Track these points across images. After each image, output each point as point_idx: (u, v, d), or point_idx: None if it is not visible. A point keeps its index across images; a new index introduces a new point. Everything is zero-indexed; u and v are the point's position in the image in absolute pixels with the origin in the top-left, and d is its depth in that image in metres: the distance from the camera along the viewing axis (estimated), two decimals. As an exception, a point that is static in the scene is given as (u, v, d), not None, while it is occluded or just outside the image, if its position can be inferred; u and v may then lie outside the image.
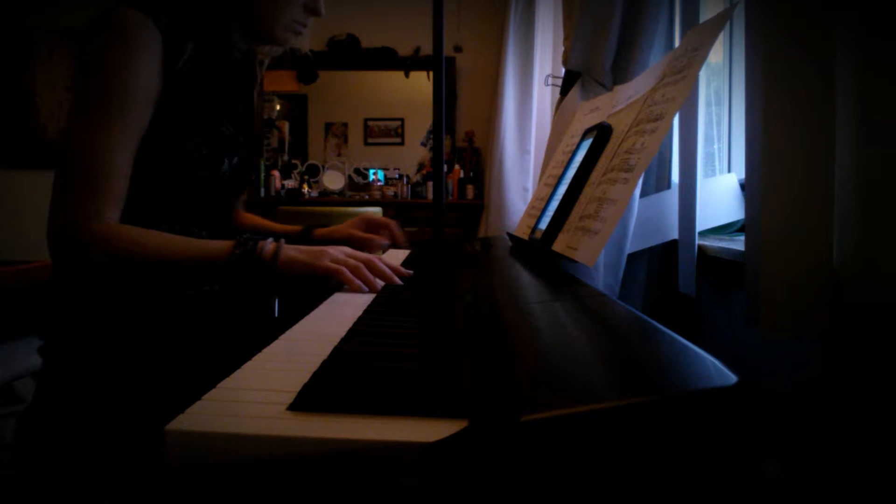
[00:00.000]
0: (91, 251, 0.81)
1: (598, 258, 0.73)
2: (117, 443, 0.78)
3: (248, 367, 0.49)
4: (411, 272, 0.94)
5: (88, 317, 0.86)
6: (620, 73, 1.48)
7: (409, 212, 4.23)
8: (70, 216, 0.81)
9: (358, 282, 0.86)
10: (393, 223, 1.26)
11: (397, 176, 4.49)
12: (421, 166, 4.54)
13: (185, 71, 0.88)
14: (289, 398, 0.40)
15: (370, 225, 1.23)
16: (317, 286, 0.91)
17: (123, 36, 0.83)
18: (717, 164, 1.65)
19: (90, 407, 0.81)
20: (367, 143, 4.68)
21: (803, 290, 0.73)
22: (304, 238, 1.20)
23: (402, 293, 0.87)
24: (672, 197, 1.36)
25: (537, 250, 0.95)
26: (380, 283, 0.89)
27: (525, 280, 0.85)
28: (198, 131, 0.91)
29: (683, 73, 0.77)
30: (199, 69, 0.91)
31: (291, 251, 0.86)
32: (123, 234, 0.83)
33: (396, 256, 1.45)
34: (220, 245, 0.85)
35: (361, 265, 0.88)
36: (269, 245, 0.85)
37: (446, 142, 4.25)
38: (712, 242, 1.18)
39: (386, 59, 4.45)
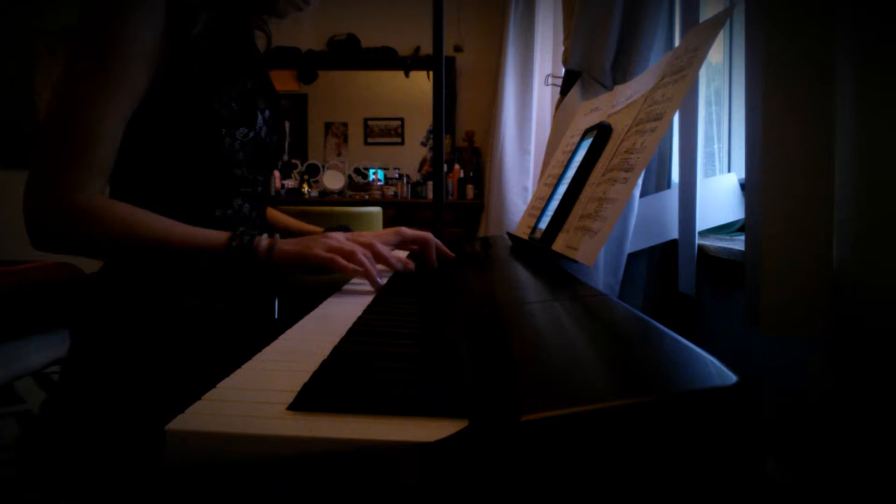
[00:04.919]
0: (70, 226, 0.74)
1: (597, 258, 0.73)
2: (118, 442, 0.78)
3: (248, 366, 0.49)
4: (413, 266, 0.92)
5: (110, 311, 0.84)
6: (620, 73, 1.48)
7: (409, 212, 4.23)
8: (45, 187, 0.74)
9: (352, 266, 0.82)
10: (431, 239, 1.02)
11: (397, 176, 4.49)
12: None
13: (201, 37, 0.83)
14: (289, 398, 0.40)
15: (403, 241, 1.01)
16: (319, 287, 0.90)
17: None
18: (717, 164, 1.66)
19: (95, 405, 0.81)
20: (366, 143, 4.68)
21: (803, 290, 0.73)
22: None
23: (402, 293, 0.87)
24: (672, 197, 1.36)
25: (537, 250, 0.95)
26: (378, 268, 0.85)
27: (525, 280, 0.85)
28: (223, 88, 0.86)
29: (683, 73, 0.77)
30: (215, 35, 0.86)
31: (286, 245, 0.83)
32: (110, 210, 0.76)
33: (397, 255, 1.45)
34: (215, 235, 0.81)
35: (357, 249, 0.84)
36: (264, 240, 0.82)
37: (446, 142, 4.25)
38: (712, 242, 1.18)
39: (386, 59, 4.46)
